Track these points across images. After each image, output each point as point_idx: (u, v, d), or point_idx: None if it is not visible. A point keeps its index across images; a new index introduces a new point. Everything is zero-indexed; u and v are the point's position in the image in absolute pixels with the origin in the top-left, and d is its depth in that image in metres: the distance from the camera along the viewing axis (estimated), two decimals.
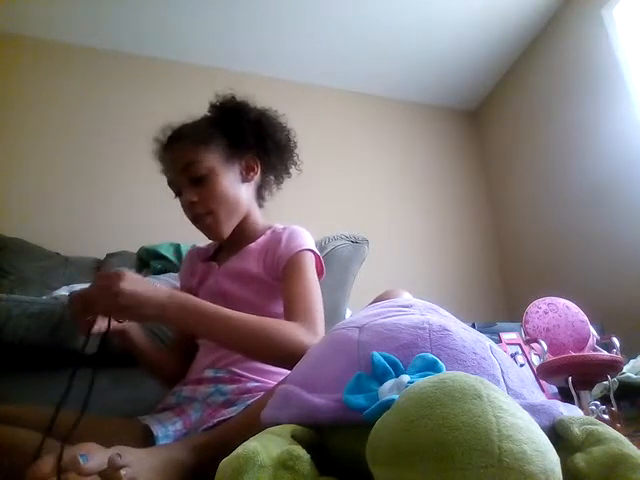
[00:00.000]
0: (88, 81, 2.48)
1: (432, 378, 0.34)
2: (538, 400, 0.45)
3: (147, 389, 1.05)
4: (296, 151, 1.07)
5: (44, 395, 0.72)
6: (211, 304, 0.73)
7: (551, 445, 0.31)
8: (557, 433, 0.40)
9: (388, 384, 0.40)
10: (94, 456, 0.49)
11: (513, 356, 1.61)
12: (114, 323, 0.74)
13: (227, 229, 0.96)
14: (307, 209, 2.36)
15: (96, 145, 2.37)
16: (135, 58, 2.59)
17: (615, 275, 2.12)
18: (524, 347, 1.64)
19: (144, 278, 0.81)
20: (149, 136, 1.00)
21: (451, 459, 0.28)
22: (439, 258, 2.77)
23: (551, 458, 0.30)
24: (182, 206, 0.96)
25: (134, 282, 0.67)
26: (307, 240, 0.94)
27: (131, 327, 0.90)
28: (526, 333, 1.16)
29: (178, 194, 0.96)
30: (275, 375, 0.84)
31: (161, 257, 1.73)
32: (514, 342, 1.67)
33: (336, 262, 1.31)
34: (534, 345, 1.15)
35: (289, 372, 0.58)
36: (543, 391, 1.45)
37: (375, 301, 0.69)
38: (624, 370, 1.32)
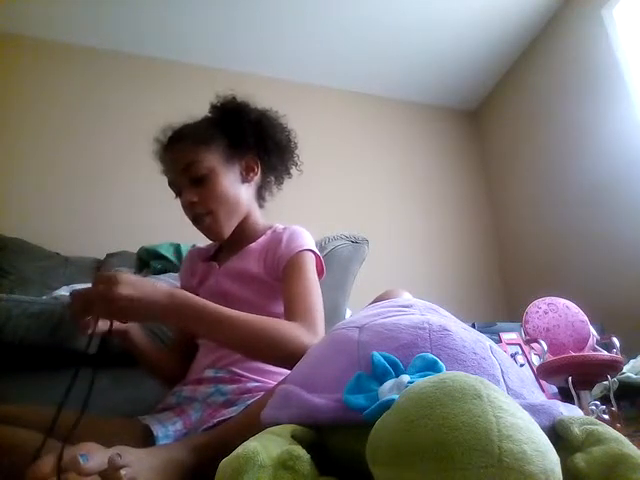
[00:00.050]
0: (88, 81, 2.48)
1: (432, 378, 0.34)
2: (538, 400, 0.45)
3: (147, 389, 1.05)
4: (296, 151, 1.07)
5: (44, 395, 0.72)
6: (211, 303, 0.73)
7: (551, 445, 0.31)
8: (557, 433, 0.40)
9: (388, 384, 0.40)
10: (94, 456, 0.49)
11: (513, 356, 1.61)
12: (116, 323, 0.74)
13: (227, 229, 0.96)
14: (307, 209, 2.36)
15: (96, 145, 2.37)
16: (135, 58, 2.59)
17: (615, 275, 2.12)
18: (524, 347, 1.64)
19: (143, 278, 0.81)
20: (149, 136, 1.00)
21: (451, 459, 0.28)
22: (439, 258, 2.77)
23: (551, 458, 0.30)
24: (182, 206, 0.96)
25: (130, 285, 0.66)
26: (307, 240, 0.94)
27: (131, 327, 0.90)
28: (526, 333, 1.16)
29: (178, 194, 0.96)
30: (275, 375, 0.84)
31: (161, 257, 1.72)
32: (514, 342, 1.67)
33: (336, 262, 1.31)
34: (534, 345, 1.15)
35: (289, 372, 0.58)
36: (543, 391, 1.45)
37: (375, 301, 0.69)
38: (624, 370, 1.32)
